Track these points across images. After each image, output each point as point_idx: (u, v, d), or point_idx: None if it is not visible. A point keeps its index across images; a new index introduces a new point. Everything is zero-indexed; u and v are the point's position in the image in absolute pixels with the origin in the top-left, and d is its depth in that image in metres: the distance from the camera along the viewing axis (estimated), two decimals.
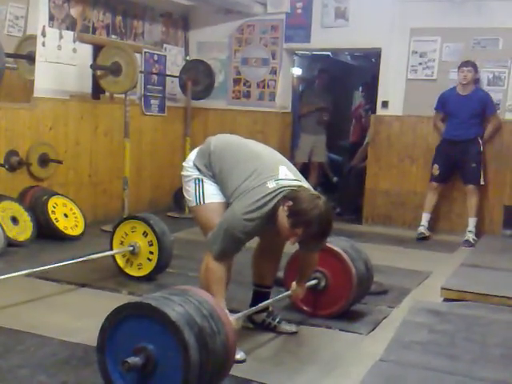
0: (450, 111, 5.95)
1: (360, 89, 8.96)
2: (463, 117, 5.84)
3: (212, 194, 2.96)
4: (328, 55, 9.10)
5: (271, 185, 2.77)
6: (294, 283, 3.24)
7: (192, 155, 3.09)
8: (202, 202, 2.96)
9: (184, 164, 3.10)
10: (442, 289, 3.92)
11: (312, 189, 2.89)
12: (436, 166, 6.01)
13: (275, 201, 2.73)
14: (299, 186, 2.80)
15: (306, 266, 3.15)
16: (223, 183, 2.93)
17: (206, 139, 3.14)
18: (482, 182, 5.92)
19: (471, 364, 2.86)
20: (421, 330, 3.30)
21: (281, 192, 2.75)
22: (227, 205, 2.95)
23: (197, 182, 2.98)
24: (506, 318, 3.54)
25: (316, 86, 7.93)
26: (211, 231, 2.83)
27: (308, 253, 3.07)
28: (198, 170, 3.00)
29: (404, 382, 2.65)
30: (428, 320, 3.45)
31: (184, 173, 3.07)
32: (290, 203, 2.68)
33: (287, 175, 2.87)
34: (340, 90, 9.45)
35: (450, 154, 5.93)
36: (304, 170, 6.96)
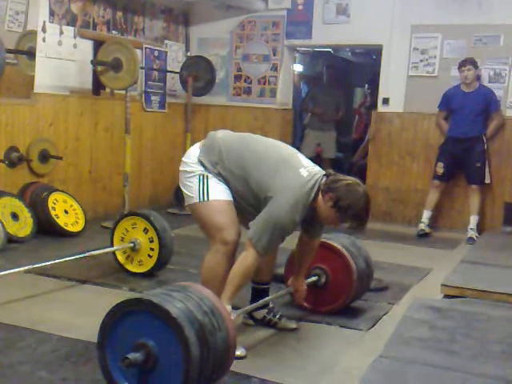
0: (454, 109, 5.94)
1: (366, 86, 8.95)
2: (468, 114, 5.83)
3: (218, 191, 2.92)
4: (329, 52, 9.10)
5: (304, 173, 2.83)
6: (292, 278, 3.25)
7: (194, 150, 3.02)
8: (205, 199, 2.91)
9: (185, 159, 3.03)
10: (442, 285, 3.93)
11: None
12: (440, 165, 5.99)
13: (315, 189, 2.81)
14: (330, 173, 2.87)
15: (306, 254, 3.16)
16: (247, 178, 2.88)
17: (207, 134, 3.10)
18: (487, 181, 5.92)
19: (471, 360, 2.87)
20: (421, 326, 3.30)
21: (316, 179, 2.82)
22: (232, 203, 2.94)
23: (201, 178, 2.93)
24: (506, 314, 3.54)
25: (324, 83, 7.88)
26: (252, 228, 2.79)
27: (311, 239, 3.10)
28: (203, 166, 2.94)
29: (404, 377, 2.66)
30: (428, 316, 3.46)
31: (185, 168, 2.99)
32: (334, 196, 2.75)
33: (306, 160, 2.95)
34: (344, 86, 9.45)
35: (455, 153, 5.92)
36: None
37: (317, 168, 2.94)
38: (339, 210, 2.76)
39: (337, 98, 7.54)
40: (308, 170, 2.86)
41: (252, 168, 2.88)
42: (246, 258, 2.80)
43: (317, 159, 7.68)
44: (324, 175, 2.86)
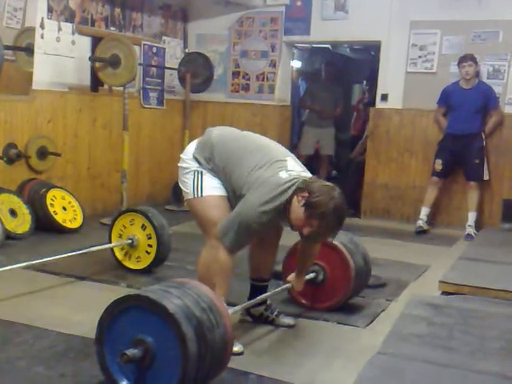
0: (453, 105, 5.93)
1: (364, 82, 8.94)
2: (467, 111, 5.83)
3: (211, 186, 2.94)
4: (327, 48, 9.09)
5: (284, 175, 2.79)
6: (292, 275, 3.25)
7: (191, 147, 3.06)
8: (199, 195, 2.94)
9: (182, 156, 3.07)
10: (440, 282, 3.93)
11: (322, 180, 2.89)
12: (439, 161, 5.99)
13: (290, 191, 2.73)
14: (311, 177, 2.82)
15: (306, 257, 3.15)
16: (230, 175, 2.90)
17: (205, 131, 3.13)
18: (486, 177, 5.92)
19: (469, 357, 2.87)
20: (419, 322, 3.31)
21: (294, 183, 2.75)
22: (227, 198, 2.95)
23: (196, 174, 2.96)
24: (504, 311, 3.55)
25: (323, 80, 7.89)
26: (220, 223, 2.80)
27: (310, 244, 3.08)
28: (198, 162, 2.98)
29: (402, 374, 2.66)
30: (426, 313, 3.46)
31: (182, 164, 3.04)
32: (306, 194, 2.67)
33: (295, 166, 2.90)
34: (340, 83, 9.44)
35: (453, 149, 5.92)
36: (308, 162, 6.93)
37: (303, 174, 2.86)
38: (308, 206, 2.64)
39: (335, 94, 7.54)
40: (290, 173, 2.80)
41: (234, 166, 2.89)
42: (217, 254, 2.82)
43: (315, 156, 7.70)
44: (302, 182, 2.75)
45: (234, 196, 2.93)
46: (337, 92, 7.60)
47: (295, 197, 2.72)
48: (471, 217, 5.88)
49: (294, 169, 2.86)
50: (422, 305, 3.60)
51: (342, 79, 8.81)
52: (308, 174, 2.90)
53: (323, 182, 2.78)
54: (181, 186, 3.06)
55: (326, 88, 7.59)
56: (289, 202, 2.73)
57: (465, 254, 4.85)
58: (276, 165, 2.83)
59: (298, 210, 2.70)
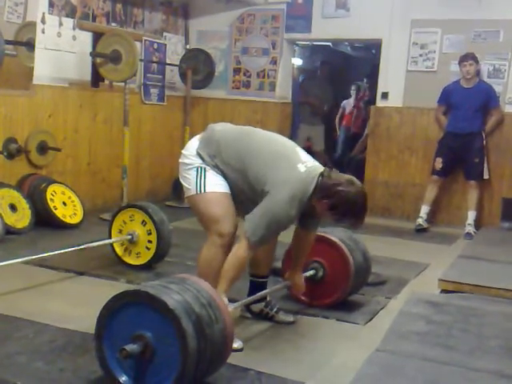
0: (454, 104, 5.93)
1: (365, 80, 8.96)
2: (467, 110, 5.82)
3: (214, 183, 2.93)
4: (328, 46, 9.09)
5: (302, 168, 2.82)
6: (289, 272, 3.25)
7: (194, 143, 3.03)
8: (202, 191, 2.92)
9: (184, 152, 3.04)
10: (440, 280, 3.94)
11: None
12: (439, 160, 5.99)
13: (313, 184, 2.79)
14: (327, 169, 2.87)
15: (303, 246, 3.16)
16: (246, 171, 2.87)
17: (207, 127, 3.10)
18: (485, 176, 5.92)
19: (468, 355, 2.88)
20: (418, 320, 3.31)
21: (314, 175, 2.81)
22: (229, 195, 2.94)
23: (199, 170, 2.94)
24: (503, 309, 3.56)
25: (318, 78, 7.91)
26: (248, 222, 2.80)
27: (307, 232, 3.10)
28: (202, 158, 2.95)
29: (401, 372, 2.67)
30: (425, 311, 3.47)
31: (184, 160, 3.01)
32: (330, 202, 2.75)
33: (306, 156, 2.94)
34: (340, 81, 9.44)
35: (453, 148, 5.92)
36: None
37: (315, 163, 2.93)
38: (335, 214, 2.79)
39: (328, 93, 7.59)
40: (306, 165, 2.85)
41: (250, 161, 2.88)
42: (239, 251, 2.81)
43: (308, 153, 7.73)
44: (321, 173, 2.82)
45: (251, 192, 2.90)
46: (328, 91, 7.64)
47: (317, 189, 2.78)
48: (471, 215, 5.88)
49: (306, 159, 2.90)
50: (422, 303, 3.60)
51: (337, 78, 8.85)
52: (317, 164, 2.94)
53: (342, 175, 2.86)
54: (182, 181, 3.03)
55: (320, 86, 7.63)
56: (312, 196, 2.79)
57: (464, 253, 4.86)
58: (291, 158, 2.86)
59: (326, 212, 2.80)
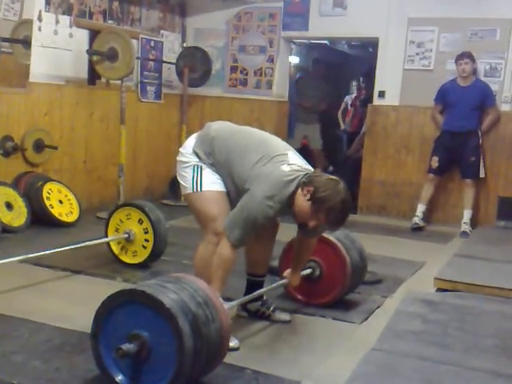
0: (450, 103, 5.94)
1: (361, 79, 8.95)
2: (464, 108, 5.83)
3: (211, 182, 2.93)
4: (325, 44, 9.08)
5: (286, 168, 2.80)
6: (288, 271, 3.26)
7: (191, 141, 3.04)
8: (198, 190, 2.93)
9: (181, 150, 3.06)
10: (436, 279, 3.95)
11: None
12: (435, 158, 6.00)
13: (294, 184, 2.75)
14: (314, 171, 2.84)
15: (303, 251, 3.15)
16: (232, 170, 2.89)
17: (204, 125, 3.12)
18: (482, 175, 5.93)
19: (463, 353, 2.89)
20: (414, 319, 3.32)
21: (297, 176, 2.77)
22: (226, 194, 2.95)
23: (195, 168, 2.95)
24: (498, 308, 3.56)
25: (310, 76, 7.92)
26: (226, 219, 2.80)
27: (308, 238, 3.09)
28: (198, 156, 2.96)
29: (396, 370, 2.67)
30: (421, 310, 3.47)
31: (181, 158, 3.02)
32: (311, 188, 2.69)
33: (296, 159, 2.91)
34: (337, 80, 9.44)
35: (450, 146, 5.93)
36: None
37: (305, 167, 2.89)
38: (315, 201, 2.68)
39: (322, 92, 7.59)
40: (292, 167, 2.81)
41: (236, 160, 2.89)
42: (221, 250, 2.81)
43: (303, 151, 7.72)
44: (304, 175, 2.78)
45: (236, 191, 2.92)
46: (322, 90, 7.65)
47: (300, 190, 2.74)
48: (467, 214, 5.90)
49: (295, 162, 2.87)
50: (418, 301, 3.61)
51: (334, 76, 8.85)
52: (309, 167, 2.92)
53: (328, 176, 2.80)
54: (179, 179, 3.05)
55: (314, 85, 7.64)
56: (293, 195, 2.76)
57: (460, 251, 4.87)
58: (278, 158, 2.84)
59: (303, 203, 2.72)
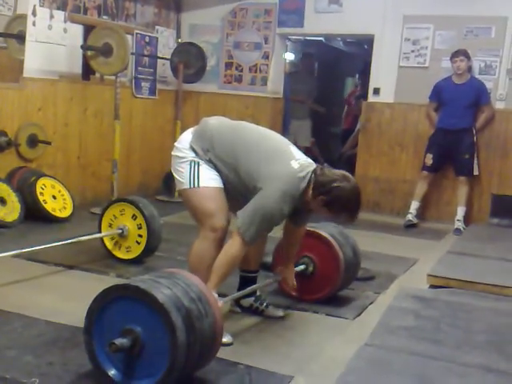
0: (445, 100, 5.95)
1: (357, 76, 8.97)
2: (458, 106, 5.84)
3: (208, 178, 2.91)
4: (321, 41, 9.09)
5: (295, 165, 2.82)
6: (281, 267, 3.26)
7: (187, 136, 3.01)
8: (196, 185, 2.90)
9: (177, 145, 3.02)
10: (428, 275, 3.96)
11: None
12: (429, 156, 6.02)
13: (306, 180, 2.80)
14: (321, 166, 2.88)
15: (293, 242, 3.18)
16: (238, 165, 2.87)
17: (200, 120, 3.08)
18: (475, 173, 5.95)
19: (455, 349, 2.90)
20: (406, 315, 3.33)
21: (308, 171, 2.81)
22: (223, 190, 2.94)
23: (192, 164, 2.92)
24: (491, 305, 3.58)
25: (300, 71, 7.92)
26: (240, 218, 2.79)
27: (297, 228, 3.11)
28: (195, 152, 2.93)
29: (389, 366, 2.68)
30: (414, 306, 3.49)
31: (177, 153, 2.99)
32: (325, 198, 2.75)
33: (299, 154, 2.94)
34: (332, 77, 9.45)
35: (444, 144, 5.94)
36: None
37: (309, 161, 2.94)
38: (331, 210, 2.80)
39: (310, 86, 7.60)
40: (299, 162, 2.85)
41: (242, 157, 2.88)
42: (232, 247, 2.81)
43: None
44: (314, 170, 2.83)
45: (241, 186, 2.90)
46: (312, 84, 7.65)
47: (312, 185, 2.79)
48: (460, 211, 5.92)
49: (300, 157, 2.91)
50: (410, 298, 3.62)
51: (329, 73, 8.84)
52: (310, 161, 2.94)
53: (336, 171, 2.86)
54: (175, 174, 3.01)
55: (303, 80, 7.64)
56: (304, 192, 2.80)
57: (453, 248, 4.89)
58: (284, 155, 2.87)
59: (320, 209, 2.81)
